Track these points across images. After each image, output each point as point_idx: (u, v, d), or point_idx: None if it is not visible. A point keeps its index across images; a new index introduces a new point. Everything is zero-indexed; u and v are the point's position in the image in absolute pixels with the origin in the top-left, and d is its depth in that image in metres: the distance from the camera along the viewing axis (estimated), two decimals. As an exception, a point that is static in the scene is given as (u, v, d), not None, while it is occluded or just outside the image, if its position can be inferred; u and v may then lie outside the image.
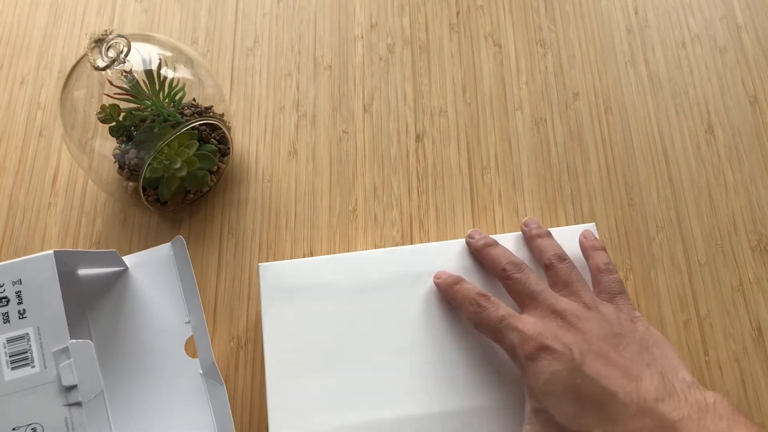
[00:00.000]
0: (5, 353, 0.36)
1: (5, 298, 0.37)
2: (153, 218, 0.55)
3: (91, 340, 0.43)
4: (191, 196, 0.55)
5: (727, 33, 0.59)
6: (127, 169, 0.51)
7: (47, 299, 0.37)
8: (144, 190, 0.51)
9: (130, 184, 0.51)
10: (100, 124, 0.49)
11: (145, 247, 0.54)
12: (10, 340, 0.36)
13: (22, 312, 0.37)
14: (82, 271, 0.45)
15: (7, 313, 0.37)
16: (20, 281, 0.37)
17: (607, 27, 0.61)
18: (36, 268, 0.37)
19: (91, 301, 0.45)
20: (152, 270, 0.46)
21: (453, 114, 0.58)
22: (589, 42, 0.60)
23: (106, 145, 0.52)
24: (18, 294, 0.37)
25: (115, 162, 0.52)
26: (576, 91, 0.58)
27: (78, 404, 0.35)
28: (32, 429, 0.35)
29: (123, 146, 0.51)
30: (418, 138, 0.57)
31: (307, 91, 0.60)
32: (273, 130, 0.58)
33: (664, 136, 0.56)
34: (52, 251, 0.38)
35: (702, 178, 0.54)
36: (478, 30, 0.61)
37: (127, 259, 0.47)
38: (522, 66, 0.60)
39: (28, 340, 0.36)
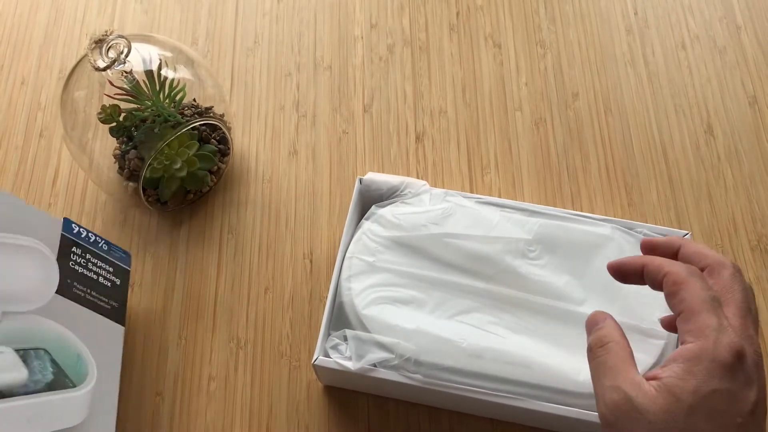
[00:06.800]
0: None
1: None
2: (153, 218, 0.55)
3: None
4: (191, 196, 0.55)
5: (727, 33, 0.59)
6: (127, 169, 0.51)
7: None
8: (144, 190, 0.52)
9: (130, 184, 0.52)
10: (101, 124, 0.49)
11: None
12: None
13: None
14: None
15: None
16: None
17: (607, 27, 0.61)
18: None
19: None
20: None
21: (453, 114, 0.58)
22: (588, 42, 0.60)
23: (106, 146, 0.52)
24: None
25: (115, 162, 0.52)
26: (576, 91, 0.58)
27: None
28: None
29: (123, 146, 0.51)
30: (418, 138, 0.57)
31: (307, 91, 0.60)
32: (273, 130, 0.59)
33: (664, 136, 0.56)
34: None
35: (702, 178, 0.54)
36: (477, 30, 0.61)
37: None
38: (522, 66, 0.60)
39: None
